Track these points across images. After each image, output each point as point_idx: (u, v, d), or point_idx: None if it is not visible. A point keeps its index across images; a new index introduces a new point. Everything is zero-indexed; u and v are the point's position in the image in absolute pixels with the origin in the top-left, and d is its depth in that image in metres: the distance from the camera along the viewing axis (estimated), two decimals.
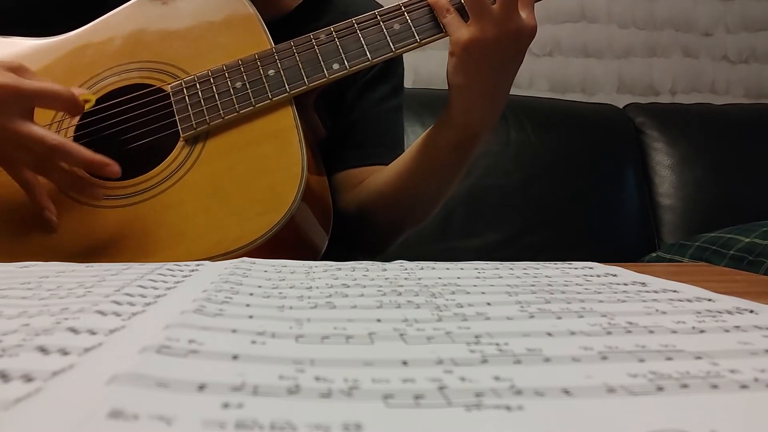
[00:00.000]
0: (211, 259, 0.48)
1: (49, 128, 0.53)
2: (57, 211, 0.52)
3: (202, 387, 0.16)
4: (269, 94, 0.54)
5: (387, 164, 0.71)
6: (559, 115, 1.44)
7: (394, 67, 0.75)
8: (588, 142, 1.43)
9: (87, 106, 0.52)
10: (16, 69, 0.50)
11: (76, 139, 0.55)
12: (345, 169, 0.71)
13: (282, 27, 0.59)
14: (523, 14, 0.53)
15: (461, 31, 0.53)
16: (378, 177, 0.67)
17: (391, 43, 0.55)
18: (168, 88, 0.56)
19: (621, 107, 1.56)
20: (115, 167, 0.50)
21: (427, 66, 1.53)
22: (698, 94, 1.72)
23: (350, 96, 0.72)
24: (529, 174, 1.36)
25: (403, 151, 0.75)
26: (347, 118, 0.72)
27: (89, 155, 0.49)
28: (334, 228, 0.60)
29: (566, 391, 0.16)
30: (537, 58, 1.63)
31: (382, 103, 0.74)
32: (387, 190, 0.65)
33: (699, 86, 1.73)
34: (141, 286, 0.29)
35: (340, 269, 0.35)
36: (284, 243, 0.51)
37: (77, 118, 0.56)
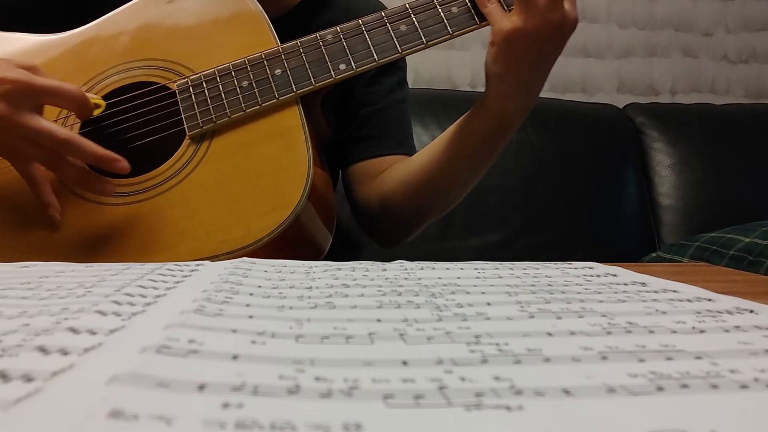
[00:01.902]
0: (217, 257, 0.48)
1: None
2: (61, 208, 0.52)
3: (202, 387, 0.16)
4: (276, 93, 0.54)
5: (403, 153, 0.72)
6: (560, 115, 1.44)
7: (397, 61, 0.75)
8: (588, 142, 1.43)
9: (96, 112, 0.53)
10: (29, 68, 0.51)
11: (80, 135, 0.55)
12: (360, 161, 0.72)
13: (283, 25, 0.60)
14: (567, 6, 0.53)
15: (503, 21, 0.53)
16: (403, 166, 0.68)
17: (397, 45, 0.55)
18: (174, 86, 0.56)
19: (621, 107, 1.56)
20: (124, 163, 0.50)
21: (427, 66, 1.53)
22: (698, 94, 1.72)
23: (358, 92, 0.73)
24: (529, 174, 1.36)
25: (413, 143, 0.74)
26: (357, 113, 0.73)
27: (100, 150, 0.50)
28: (344, 224, 0.60)
29: (566, 391, 0.16)
30: None
31: (390, 95, 0.75)
32: (414, 178, 0.65)
33: (699, 86, 1.73)
34: (141, 286, 0.29)
35: (340, 269, 0.35)
36: (289, 242, 0.51)
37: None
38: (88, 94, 0.52)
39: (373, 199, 0.70)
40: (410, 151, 0.73)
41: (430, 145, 0.65)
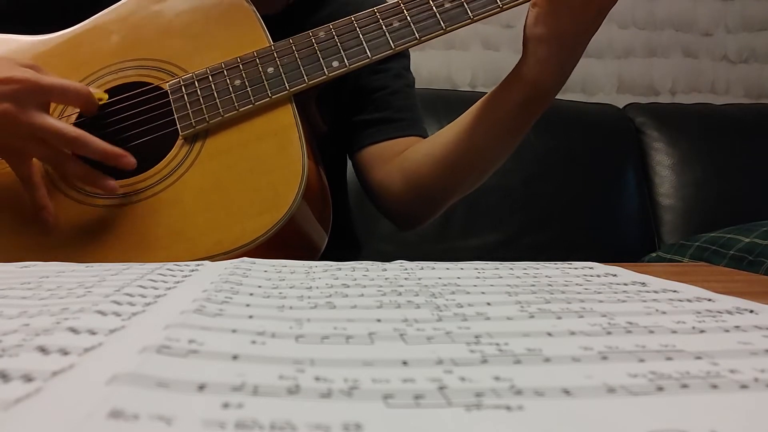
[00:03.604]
0: (212, 258, 0.48)
1: None
2: (54, 210, 0.52)
3: (202, 387, 0.16)
4: (269, 92, 0.54)
5: (418, 135, 0.71)
6: (559, 115, 1.44)
7: None
8: (588, 142, 1.43)
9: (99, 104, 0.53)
10: (32, 67, 0.51)
11: None
12: (375, 143, 0.71)
13: (282, 21, 0.59)
14: None
15: None
16: (431, 140, 0.67)
17: (390, 41, 0.55)
18: (166, 87, 0.56)
19: (621, 107, 1.56)
20: (130, 159, 0.51)
21: (427, 66, 1.53)
22: (698, 94, 1.72)
23: (363, 80, 0.72)
24: (529, 174, 1.36)
25: (424, 125, 0.74)
26: (367, 99, 0.72)
27: (108, 146, 0.50)
28: (345, 224, 0.60)
29: (566, 391, 0.16)
30: None
31: (398, 80, 0.74)
32: (444, 152, 0.63)
33: (699, 86, 1.73)
34: (141, 286, 0.29)
35: (340, 269, 0.35)
36: (284, 242, 0.51)
37: (75, 116, 0.56)
38: (91, 89, 0.52)
39: (396, 177, 0.68)
40: (424, 133, 0.72)
41: (461, 118, 0.63)
